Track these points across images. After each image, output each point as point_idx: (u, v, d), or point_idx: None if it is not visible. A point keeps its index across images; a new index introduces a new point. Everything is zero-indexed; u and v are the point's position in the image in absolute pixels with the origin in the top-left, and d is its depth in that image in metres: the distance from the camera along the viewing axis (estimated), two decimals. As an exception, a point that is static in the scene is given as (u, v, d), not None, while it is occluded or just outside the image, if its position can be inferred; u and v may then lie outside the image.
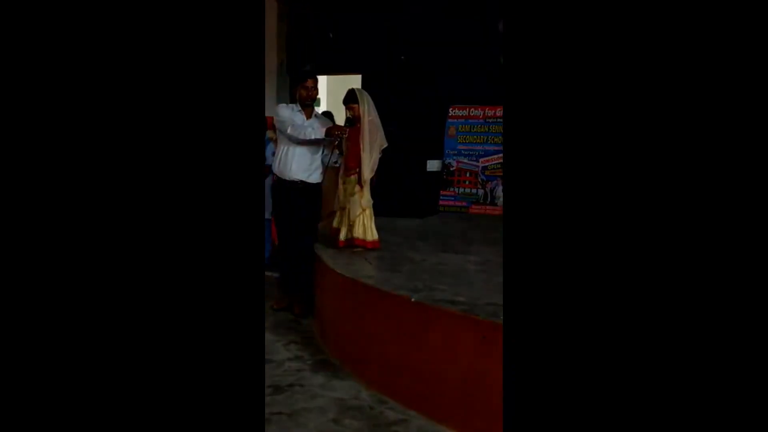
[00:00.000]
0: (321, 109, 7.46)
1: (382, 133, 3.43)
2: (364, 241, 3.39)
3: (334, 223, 3.54)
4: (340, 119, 4.18)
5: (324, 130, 3.43)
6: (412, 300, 2.34)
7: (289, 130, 3.45)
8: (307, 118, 3.57)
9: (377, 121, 3.41)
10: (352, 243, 3.39)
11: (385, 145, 3.46)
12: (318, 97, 3.73)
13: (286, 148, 3.56)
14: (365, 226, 3.40)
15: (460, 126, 5.78)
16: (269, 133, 4.44)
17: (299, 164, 3.54)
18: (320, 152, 3.59)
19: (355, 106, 3.38)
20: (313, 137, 3.43)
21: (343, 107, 3.50)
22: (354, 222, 3.39)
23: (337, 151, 3.52)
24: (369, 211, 3.41)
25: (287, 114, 3.52)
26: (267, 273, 4.75)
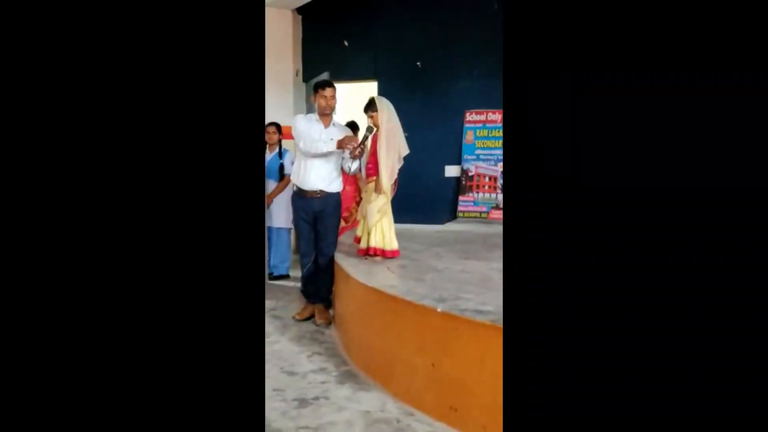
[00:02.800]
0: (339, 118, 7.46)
1: (404, 140, 3.41)
2: (383, 250, 3.36)
3: (358, 232, 3.53)
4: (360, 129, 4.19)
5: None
6: (438, 310, 2.30)
7: (301, 145, 3.47)
8: (326, 127, 3.56)
9: (398, 129, 3.39)
10: (371, 252, 3.37)
11: (407, 152, 3.43)
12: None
13: (303, 158, 3.55)
14: (384, 234, 3.37)
15: (478, 131, 5.74)
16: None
17: (318, 174, 3.53)
18: (339, 161, 3.58)
19: (375, 114, 3.35)
20: (324, 150, 3.42)
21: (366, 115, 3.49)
22: (371, 230, 3.36)
23: (358, 160, 3.50)
24: (388, 219, 3.38)
25: (302, 126, 3.51)
26: (288, 283, 4.75)
